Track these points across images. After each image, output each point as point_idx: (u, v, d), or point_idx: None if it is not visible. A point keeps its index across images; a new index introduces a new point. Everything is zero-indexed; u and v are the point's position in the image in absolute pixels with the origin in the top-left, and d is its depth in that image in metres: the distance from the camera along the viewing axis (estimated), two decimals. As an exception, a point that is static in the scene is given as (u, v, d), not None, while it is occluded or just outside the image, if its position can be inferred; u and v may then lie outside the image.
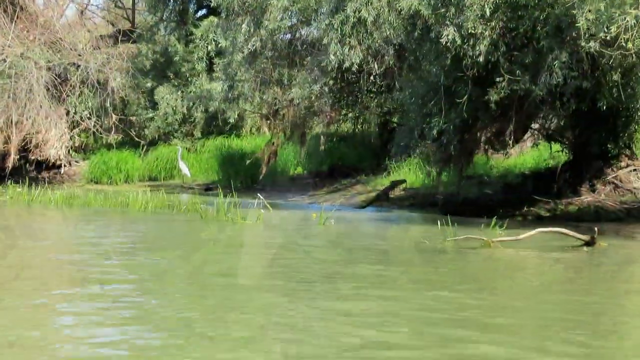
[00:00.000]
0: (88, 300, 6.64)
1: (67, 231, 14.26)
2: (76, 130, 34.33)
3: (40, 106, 33.61)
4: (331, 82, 23.64)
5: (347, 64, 19.75)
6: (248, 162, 29.56)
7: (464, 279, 9.05)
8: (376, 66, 21.01)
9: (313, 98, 24.62)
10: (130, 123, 35.79)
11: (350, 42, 19.50)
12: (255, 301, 6.74)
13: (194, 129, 34.75)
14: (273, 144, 29.57)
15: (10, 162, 32.98)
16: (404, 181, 24.92)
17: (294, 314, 6.21)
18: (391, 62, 21.28)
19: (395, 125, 28.99)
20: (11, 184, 25.50)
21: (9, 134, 33.16)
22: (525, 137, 23.23)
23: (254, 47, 22.93)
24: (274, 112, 29.63)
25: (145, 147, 34.83)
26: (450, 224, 12.82)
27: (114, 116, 34.85)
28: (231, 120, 28.88)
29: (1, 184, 28.91)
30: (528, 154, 25.49)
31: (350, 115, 29.08)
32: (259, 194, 19.03)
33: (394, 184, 24.88)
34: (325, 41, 20.09)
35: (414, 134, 19.10)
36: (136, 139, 35.09)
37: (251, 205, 16.54)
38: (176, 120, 34.30)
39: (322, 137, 28.94)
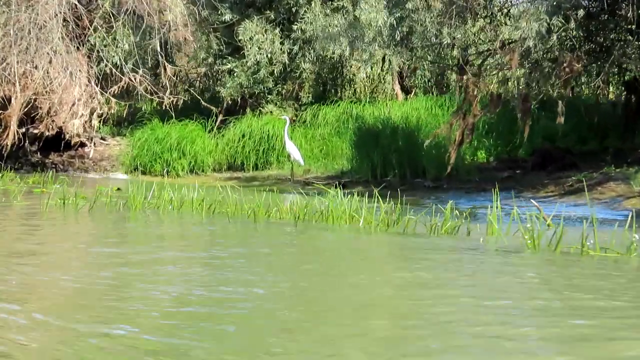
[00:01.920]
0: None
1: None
2: (111, 90, 21.74)
3: (55, 50, 21.07)
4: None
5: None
6: (401, 142, 18.86)
7: None
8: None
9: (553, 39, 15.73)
10: (197, 80, 23.12)
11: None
12: None
13: (300, 91, 22.07)
14: (465, 114, 17.16)
15: (9, 138, 20.75)
16: None
17: None
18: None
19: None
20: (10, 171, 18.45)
21: (8, 92, 20.76)
22: None
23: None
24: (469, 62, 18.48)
25: (220, 117, 22.20)
26: None
27: (169, 68, 22.30)
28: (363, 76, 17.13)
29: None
30: None
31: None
32: (531, 200, 10.48)
33: None
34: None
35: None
36: (206, 104, 22.46)
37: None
38: (271, 75, 21.63)
39: (560, 103, 16.60)
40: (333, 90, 24.53)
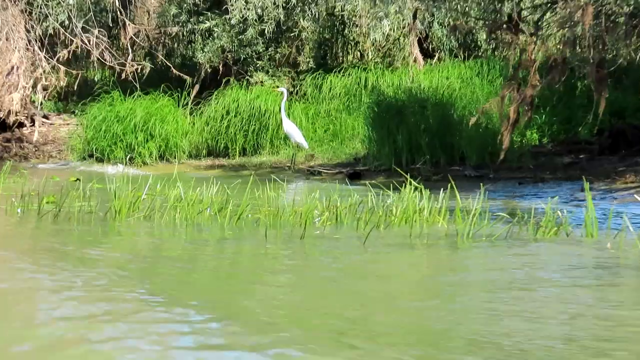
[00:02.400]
0: None
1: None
2: (59, 55, 17.27)
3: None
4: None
5: None
6: (431, 120, 15.26)
7: None
8: None
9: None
10: (166, 43, 18.83)
11: None
12: None
13: (298, 56, 17.85)
14: (519, 86, 13.19)
15: None
16: None
17: None
18: None
19: None
20: None
21: None
22: None
23: None
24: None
25: (196, 89, 17.82)
26: None
27: (131, 27, 18.04)
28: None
29: None
30: None
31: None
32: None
33: None
34: None
35: None
36: (177, 73, 18.12)
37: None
38: (261, 36, 17.44)
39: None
40: (335, 55, 20.00)
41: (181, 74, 19.09)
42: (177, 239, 7.06)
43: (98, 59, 18.05)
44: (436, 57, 20.45)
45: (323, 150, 16.90)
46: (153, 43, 20.05)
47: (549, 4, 14.77)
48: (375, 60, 19.42)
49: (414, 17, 15.65)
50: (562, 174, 14.43)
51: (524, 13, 14.98)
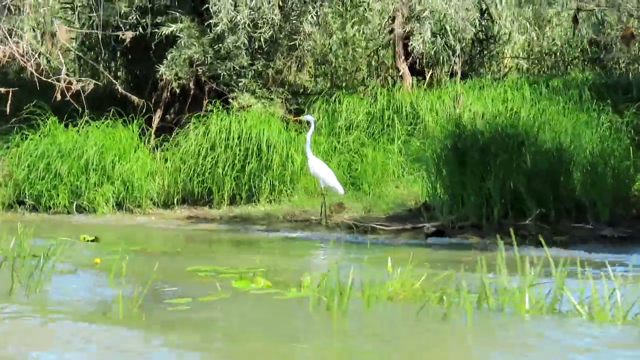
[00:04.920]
0: None
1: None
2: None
3: None
4: None
5: None
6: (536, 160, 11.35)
7: None
8: None
9: None
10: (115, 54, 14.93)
11: None
12: None
13: (298, 73, 14.15)
14: None
15: None
16: None
17: None
18: None
19: None
20: None
21: None
22: None
23: None
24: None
25: (158, 115, 13.75)
26: None
27: (63, 30, 14.13)
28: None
29: None
30: None
31: None
32: None
33: None
34: None
35: None
36: (125, 93, 14.02)
37: None
38: (241, 46, 13.54)
39: None
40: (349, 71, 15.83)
41: (128, 94, 14.73)
42: None
43: (31, 71, 13.52)
44: (428, 76, 16.58)
45: (349, 196, 12.80)
46: (102, 52, 15.47)
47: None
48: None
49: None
50: None
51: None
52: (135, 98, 14.95)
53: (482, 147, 11.27)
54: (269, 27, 13.91)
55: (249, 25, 13.71)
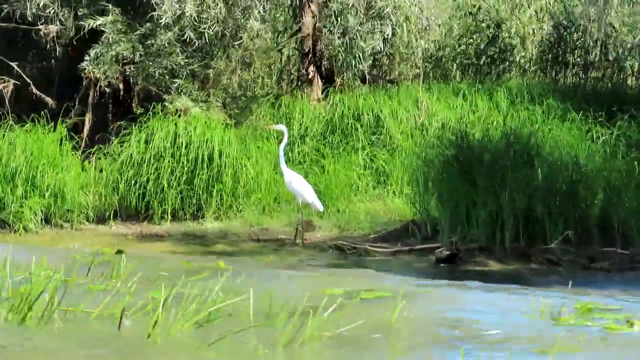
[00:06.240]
0: None
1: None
2: None
3: None
4: None
5: None
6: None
7: None
8: None
9: None
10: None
11: None
12: None
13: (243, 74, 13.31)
14: None
15: None
16: None
17: None
18: None
19: None
20: None
21: None
22: None
23: None
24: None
25: (88, 117, 12.44)
26: None
27: None
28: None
29: None
30: None
31: None
32: None
33: None
34: None
35: None
36: (39, 94, 12.67)
37: None
38: (176, 42, 12.57)
39: None
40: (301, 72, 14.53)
41: (43, 95, 13.17)
42: None
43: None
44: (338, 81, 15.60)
45: (314, 213, 11.70)
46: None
47: None
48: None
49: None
50: None
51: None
52: (49, 99, 13.42)
53: (492, 162, 10.40)
54: (213, 23, 12.65)
55: (195, 19, 12.41)
